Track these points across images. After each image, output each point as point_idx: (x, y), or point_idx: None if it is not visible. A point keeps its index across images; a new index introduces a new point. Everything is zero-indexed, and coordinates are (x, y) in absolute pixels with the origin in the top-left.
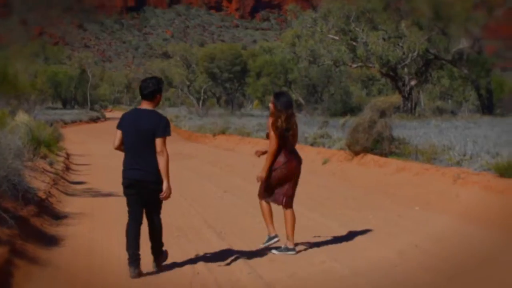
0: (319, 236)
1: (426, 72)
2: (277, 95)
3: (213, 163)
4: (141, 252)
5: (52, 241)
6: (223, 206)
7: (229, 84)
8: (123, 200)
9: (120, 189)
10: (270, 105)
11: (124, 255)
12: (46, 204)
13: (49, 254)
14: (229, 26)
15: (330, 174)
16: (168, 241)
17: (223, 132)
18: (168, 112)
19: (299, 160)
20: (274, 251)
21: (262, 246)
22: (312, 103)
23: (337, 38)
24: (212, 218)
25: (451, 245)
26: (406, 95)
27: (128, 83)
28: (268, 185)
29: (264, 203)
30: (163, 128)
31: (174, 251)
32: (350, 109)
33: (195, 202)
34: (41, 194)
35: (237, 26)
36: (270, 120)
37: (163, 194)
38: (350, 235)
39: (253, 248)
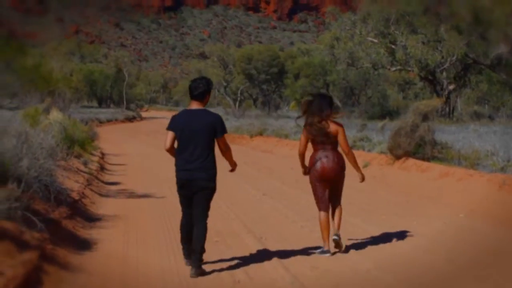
0: (361, 242)
1: (465, 77)
2: (314, 96)
3: (251, 165)
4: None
5: (84, 245)
6: (262, 210)
7: (266, 86)
8: (158, 202)
9: (155, 190)
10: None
11: (159, 262)
12: (79, 206)
13: (81, 259)
14: (266, 28)
15: (370, 178)
16: (207, 247)
17: (260, 134)
18: None
19: (336, 164)
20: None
21: (315, 253)
22: (349, 105)
23: (376, 41)
24: (252, 223)
25: (499, 254)
26: (444, 99)
27: (165, 83)
28: (315, 191)
29: (321, 215)
30: (220, 127)
31: (213, 257)
32: (388, 113)
33: (233, 205)
34: (74, 195)
35: (274, 27)
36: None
37: (232, 168)
38: (395, 243)
39: (295, 254)
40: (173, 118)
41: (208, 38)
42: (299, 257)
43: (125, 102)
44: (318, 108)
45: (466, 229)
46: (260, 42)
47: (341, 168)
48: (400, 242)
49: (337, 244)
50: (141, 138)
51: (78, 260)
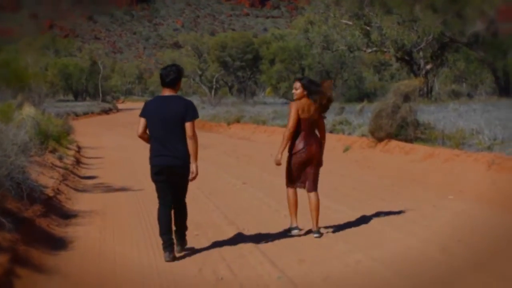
0: (349, 230)
1: (442, 56)
2: (304, 79)
3: (229, 153)
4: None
5: (59, 244)
6: (243, 200)
7: (241, 73)
8: (136, 195)
9: (133, 183)
10: (298, 91)
11: (138, 259)
12: (54, 203)
13: (56, 259)
14: (239, 15)
15: (352, 162)
16: (187, 241)
17: (237, 121)
18: None
19: (319, 143)
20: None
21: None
22: None
23: (350, 23)
24: (233, 214)
25: (497, 239)
26: (423, 79)
27: (140, 74)
28: (290, 171)
29: (290, 192)
30: (191, 112)
31: (194, 252)
32: (366, 95)
33: (213, 195)
34: (49, 192)
35: (247, 14)
36: (295, 105)
37: (192, 175)
38: (385, 229)
39: (280, 246)
40: (145, 105)
41: (182, 28)
42: (284, 249)
43: (101, 95)
44: (317, 84)
45: (458, 212)
46: (233, 30)
47: (323, 148)
48: (390, 229)
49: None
50: (118, 130)
51: (53, 261)
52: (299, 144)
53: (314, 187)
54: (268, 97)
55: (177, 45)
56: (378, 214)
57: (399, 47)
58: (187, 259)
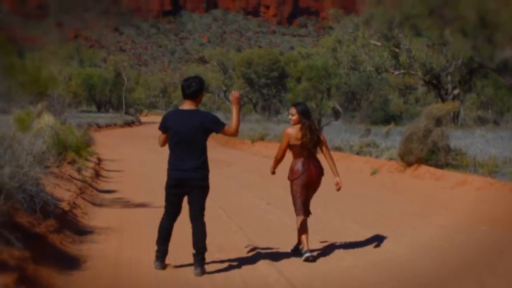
0: (381, 260)
1: (470, 81)
2: (299, 105)
3: (253, 171)
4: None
5: (72, 263)
6: (267, 222)
7: (266, 90)
8: (156, 212)
9: (153, 199)
10: (295, 116)
11: (156, 283)
12: (69, 217)
13: (67, 280)
14: (266, 32)
15: (380, 186)
16: (208, 265)
17: (261, 139)
18: None
19: (319, 168)
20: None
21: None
22: (350, 110)
23: (379, 44)
24: (257, 236)
25: None
26: (455, 103)
27: (164, 87)
28: (295, 199)
29: (303, 220)
30: (214, 123)
31: (217, 280)
32: (391, 117)
33: (235, 215)
34: (64, 205)
35: (274, 32)
36: (287, 133)
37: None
38: (415, 261)
39: (308, 276)
40: (164, 118)
41: (208, 43)
42: (313, 277)
43: (124, 107)
44: (309, 114)
45: (491, 243)
46: (259, 47)
47: (322, 173)
48: (421, 260)
49: (309, 257)
50: (140, 142)
51: (63, 282)
52: (297, 170)
53: (308, 210)
54: None
55: (202, 60)
56: (407, 243)
57: (427, 71)
58: (208, 286)
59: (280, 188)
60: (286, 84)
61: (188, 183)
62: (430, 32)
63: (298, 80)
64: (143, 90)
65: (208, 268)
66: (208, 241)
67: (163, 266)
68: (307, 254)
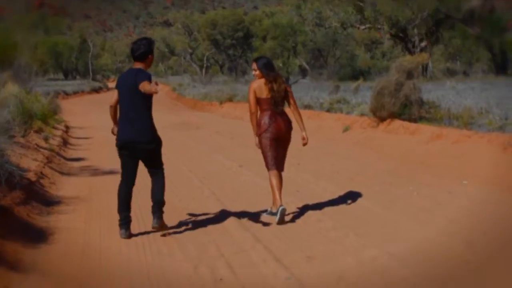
0: (359, 222)
1: (437, 32)
2: (259, 60)
3: (222, 133)
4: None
5: (39, 236)
6: (240, 185)
7: (232, 51)
8: None
9: None
10: (257, 72)
11: (127, 255)
12: (36, 188)
13: (35, 254)
14: None
15: (353, 143)
16: (180, 234)
17: (230, 100)
18: (171, 80)
19: (287, 121)
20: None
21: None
22: (317, 68)
23: None
24: (230, 200)
25: None
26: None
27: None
28: (266, 153)
29: (274, 173)
30: (141, 78)
31: (189, 247)
32: (359, 73)
33: (207, 179)
34: (31, 176)
35: None
36: (252, 86)
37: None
38: (400, 221)
39: (285, 240)
40: (118, 77)
41: (172, 6)
42: (290, 243)
43: (91, 73)
44: (273, 67)
45: (477, 200)
46: (223, 8)
47: (291, 127)
48: (405, 220)
49: (283, 217)
50: (108, 108)
51: (30, 257)
52: (264, 123)
53: (282, 167)
54: None
55: (167, 23)
56: (388, 203)
57: (393, 24)
58: (181, 254)
59: (251, 150)
60: (252, 44)
61: (134, 146)
62: None
63: (264, 39)
64: (109, 56)
65: (180, 236)
66: (180, 207)
67: (128, 235)
68: (280, 212)
